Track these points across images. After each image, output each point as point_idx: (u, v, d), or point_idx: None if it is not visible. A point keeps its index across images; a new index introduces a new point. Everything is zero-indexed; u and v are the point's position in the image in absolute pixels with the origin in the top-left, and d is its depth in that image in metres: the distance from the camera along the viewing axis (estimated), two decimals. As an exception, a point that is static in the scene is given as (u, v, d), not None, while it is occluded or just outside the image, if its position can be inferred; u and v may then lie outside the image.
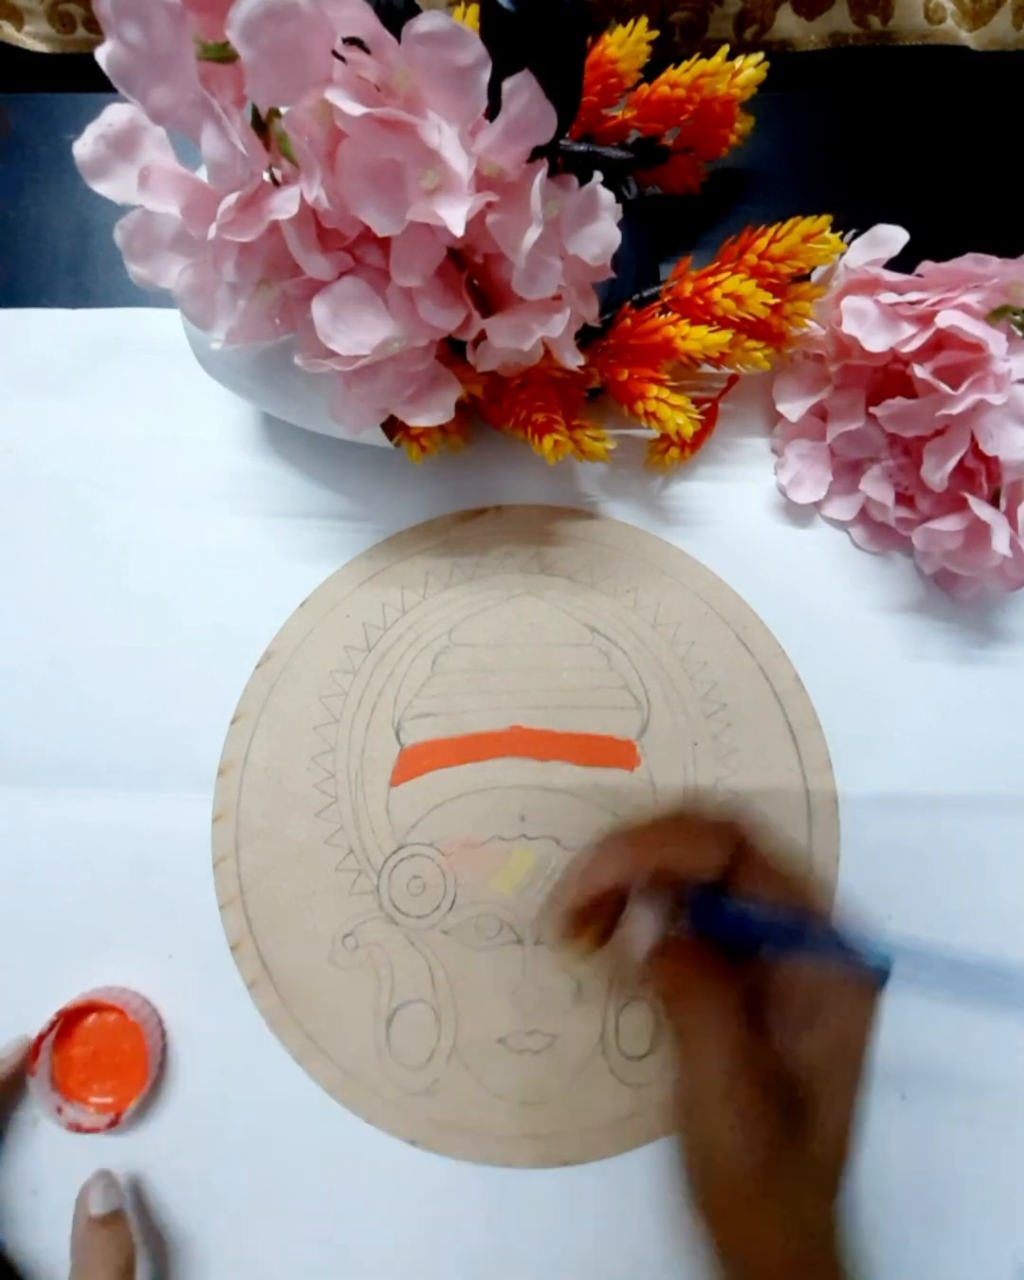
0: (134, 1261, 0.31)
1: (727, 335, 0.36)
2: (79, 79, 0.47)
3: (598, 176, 0.30)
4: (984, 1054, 0.36)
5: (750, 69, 0.39)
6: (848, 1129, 0.22)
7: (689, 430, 0.37)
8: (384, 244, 0.28)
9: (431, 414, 0.33)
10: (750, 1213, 0.21)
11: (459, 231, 0.26)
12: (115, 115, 0.28)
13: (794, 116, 0.47)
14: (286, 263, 0.28)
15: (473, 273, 0.32)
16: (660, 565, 0.41)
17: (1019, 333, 0.36)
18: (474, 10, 0.39)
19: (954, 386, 0.35)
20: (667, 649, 0.40)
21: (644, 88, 0.40)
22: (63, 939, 0.37)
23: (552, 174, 0.28)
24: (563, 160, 0.33)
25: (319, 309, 0.29)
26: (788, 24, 0.49)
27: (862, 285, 0.38)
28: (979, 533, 0.36)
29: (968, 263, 0.36)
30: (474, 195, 0.26)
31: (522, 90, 0.25)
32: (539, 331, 0.31)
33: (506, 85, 0.25)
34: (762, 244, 0.36)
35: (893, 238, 0.38)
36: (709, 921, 0.24)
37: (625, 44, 0.38)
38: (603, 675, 0.40)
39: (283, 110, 0.25)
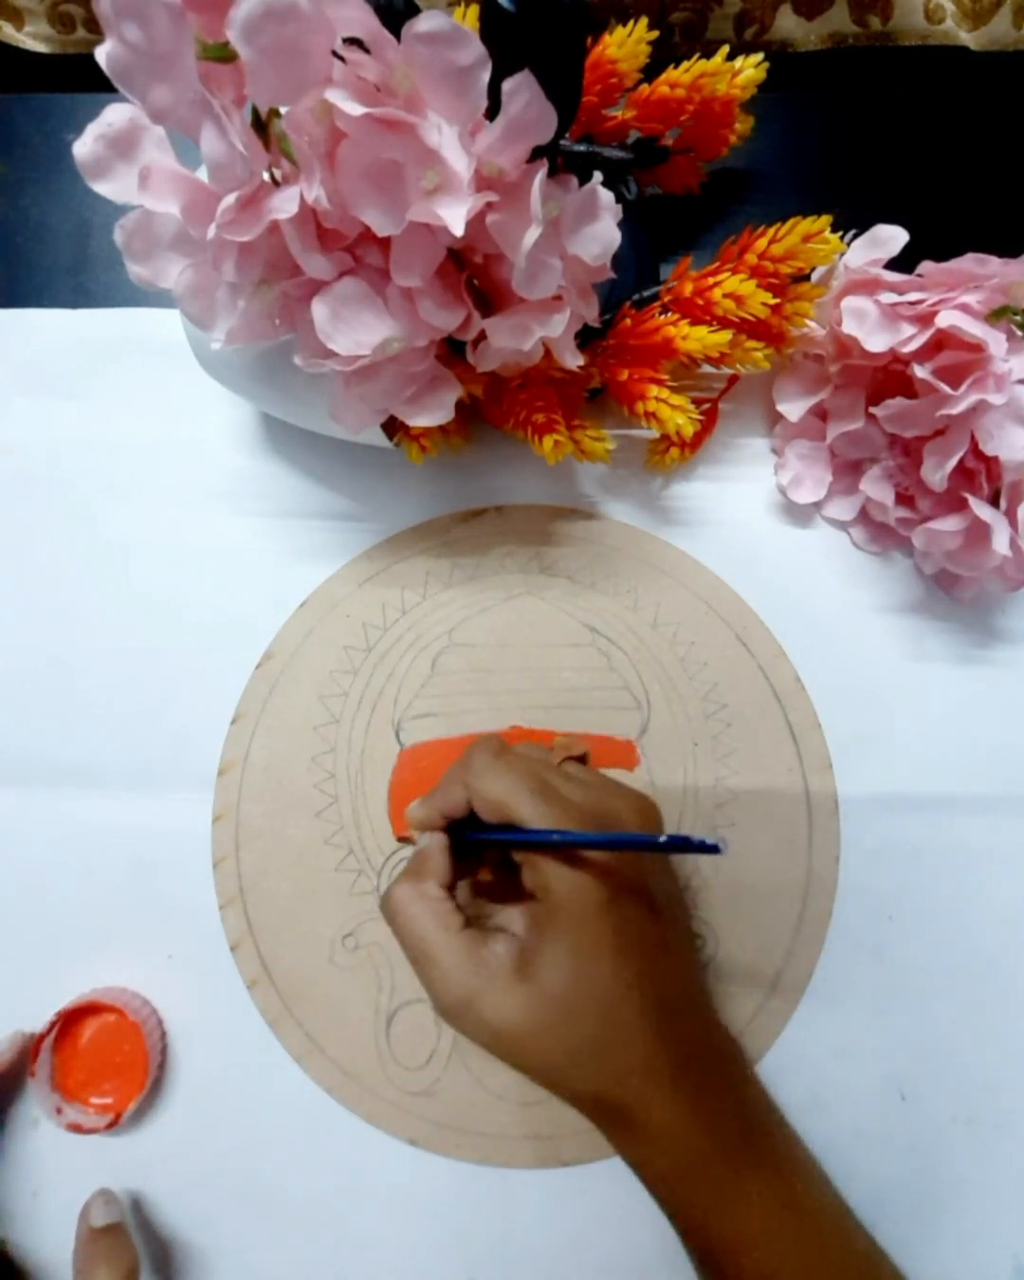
0: (137, 1268, 0.31)
1: (727, 335, 0.36)
2: (79, 79, 0.47)
3: (598, 176, 0.30)
4: (984, 1054, 0.36)
5: (750, 69, 0.39)
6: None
7: (689, 430, 0.37)
8: (384, 244, 0.28)
9: (431, 414, 0.33)
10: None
11: (459, 231, 0.26)
12: (115, 115, 0.28)
13: (794, 116, 0.47)
14: (286, 263, 0.28)
15: (473, 273, 0.32)
16: (660, 565, 0.41)
17: (1019, 333, 0.36)
18: (474, 10, 0.39)
19: (954, 386, 0.35)
20: (667, 649, 0.40)
21: (644, 88, 0.40)
22: (63, 939, 0.37)
23: (552, 174, 0.28)
24: (563, 160, 0.33)
25: (319, 309, 0.29)
26: (788, 24, 0.49)
27: (862, 285, 0.38)
28: (979, 533, 0.36)
29: (968, 263, 0.36)
30: (474, 195, 0.26)
31: (522, 90, 0.25)
32: (539, 331, 0.31)
33: (506, 85, 0.25)
34: (762, 244, 0.36)
35: (893, 238, 0.38)
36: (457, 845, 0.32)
37: (625, 44, 0.38)
38: (603, 675, 0.40)
39: (283, 110, 0.25)
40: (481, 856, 0.33)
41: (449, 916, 0.29)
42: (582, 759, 0.38)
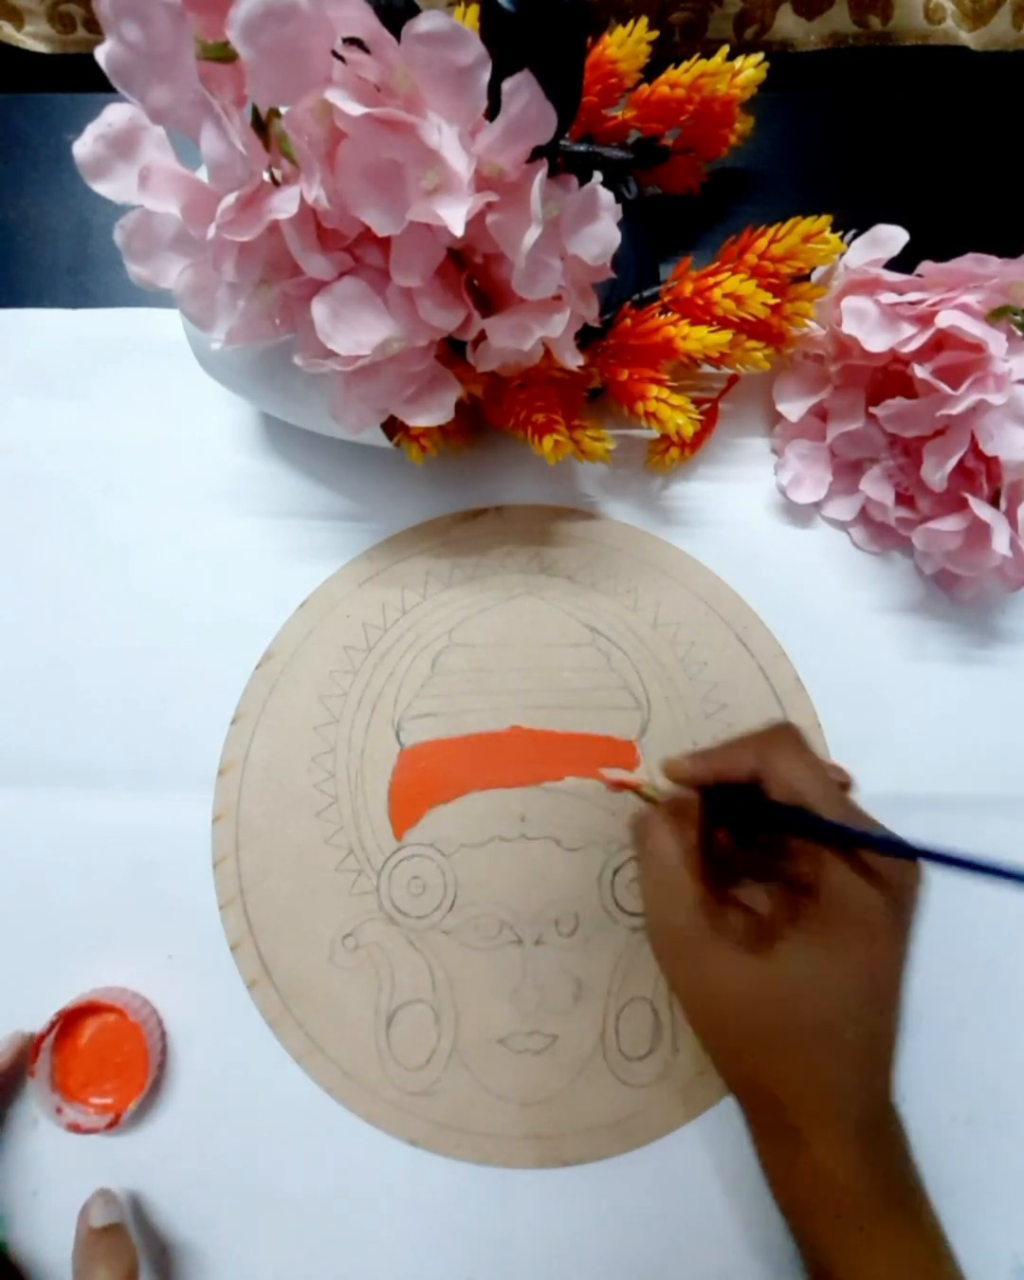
0: (136, 1269, 0.31)
1: (727, 335, 0.36)
2: (79, 79, 0.47)
3: (598, 176, 0.30)
4: (984, 1054, 0.36)
5: (750, 69, 0.39)
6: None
7: (689, 430, 0.37)
8: (384, 244, 0.28)
9: (431, 414, 0.33)
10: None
11: (459, 231, 0.26)
12: (115, 115, 0.28)
13: (794, 116, 0.47)
14: (286, 263, 0.28)
15: (473, 273, 0.32)
16: (660, 565, 0.41)
17: (1019, 333, 0.36)
18: (474, 10, 0.39)
19: (954, 386, 0.35)
20: (667, 649, 0.40)
21: (644, 88, 0.40)
22: (63, 939, 0.37)
23: (552, 174, 0.28)
24: (563, 160, 0.33)
25: (319, 309, 0.29)
26: (788, 24, 0.49)
27: (862, 285, 0.38)
28: (979, 533, 0.36)
29: (968, 263, 0.36)
30: (474, 195, 0.26)
31: (522, 90, 0.25)
32: (539, 331, 0.31)
33: (506, 85, 0.25)
34: (762, 244, 0.36)
35: (893, 238, 0.38)
36: (713, 807, 0.31)
37: (625, 44, 0.38)
38: (603, 675, 0.40)
39: (283, 110, 0.25)
40: (715, 829, 0.32)
41: (697, 865, 0.29)
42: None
